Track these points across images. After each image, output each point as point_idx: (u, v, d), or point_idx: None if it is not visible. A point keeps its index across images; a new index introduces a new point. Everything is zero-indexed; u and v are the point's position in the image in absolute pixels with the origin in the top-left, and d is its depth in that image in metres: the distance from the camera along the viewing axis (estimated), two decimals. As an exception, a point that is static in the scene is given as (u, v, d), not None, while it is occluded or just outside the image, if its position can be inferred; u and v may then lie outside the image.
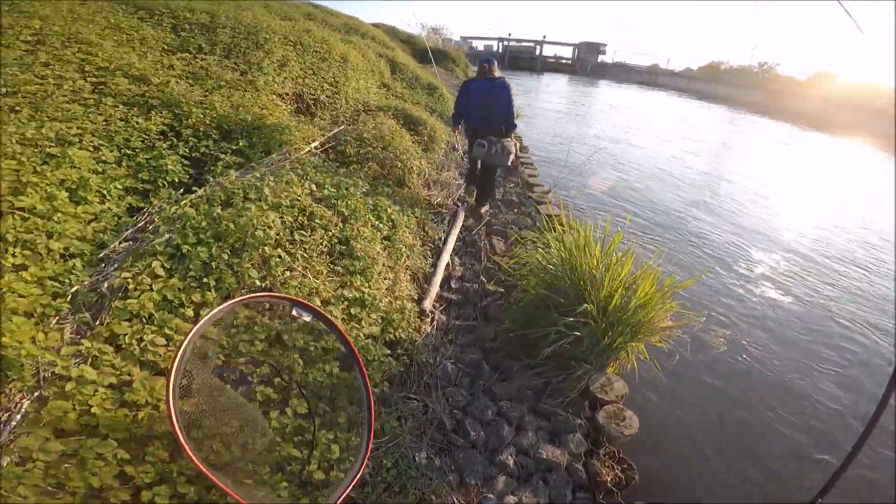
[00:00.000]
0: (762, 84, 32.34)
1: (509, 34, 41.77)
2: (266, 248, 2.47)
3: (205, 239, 2.37)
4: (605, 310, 3.08)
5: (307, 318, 1.94)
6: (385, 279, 3.19)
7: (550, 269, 3.17)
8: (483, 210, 5.19)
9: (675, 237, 6.14)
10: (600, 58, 42.99)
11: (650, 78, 39.45)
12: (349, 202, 3.25)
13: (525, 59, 40.88)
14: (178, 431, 1.43)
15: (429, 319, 3.56)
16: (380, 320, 2.96)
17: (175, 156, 3.06)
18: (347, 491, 1.72)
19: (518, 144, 7.41)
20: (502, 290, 4.00)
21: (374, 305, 2.92)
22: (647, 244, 5.57)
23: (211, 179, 2.97)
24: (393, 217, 3.59)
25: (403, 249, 3.53)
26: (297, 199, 2.83)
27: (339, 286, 2.77)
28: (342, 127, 5.41)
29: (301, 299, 2.08)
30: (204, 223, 2.43)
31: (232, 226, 2.38)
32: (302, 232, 2.70)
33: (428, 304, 3.60)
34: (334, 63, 6.15)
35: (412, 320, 3.25)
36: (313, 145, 4.30)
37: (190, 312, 2.08)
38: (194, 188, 2.94)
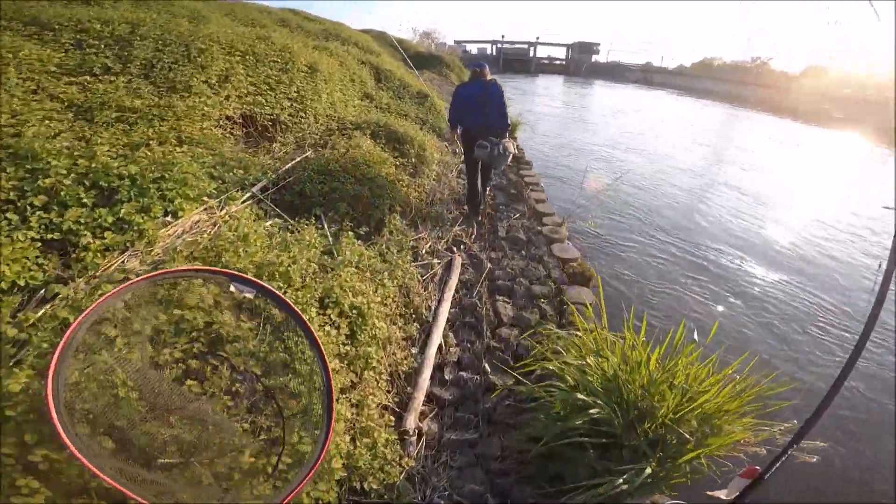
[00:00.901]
0: (758, 80, 31.47)
1: (503, 36, 40.39)
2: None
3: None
4: (663, 439, 2.02)
5: (249, 294, 1.63)
6: (344, 411, 2.07)
7: (586, 400, 2.05)
8: (486, 191, 5.11)
9: (733, 289, 4.78)
10: (594, 57, 41.60)
11: (645, 76, 38.16)
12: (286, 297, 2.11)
13: (519, 62, 39.52)
14: (59, 426, 1.13)
15: (413, 438, 2.47)
16: (337, 478, 1.87)
17: (19, 243, 1.93)
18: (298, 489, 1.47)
19: (516, 144, 6.30)
20: (511, 381, 2.89)
21: (324, 466, 1.82)
22: (703, 302, 4.40)
23: (74, 284, 1.84)
24: (358, 305, 2.46)
25: (373, 353, 2.41)
26: (188, 320, 1.69)
27: (262, 449, 1.65)
28: (305, 155, 4.28)
29: (239, 273, 1.72)
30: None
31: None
32: (191, 382, 1.57)
33: (412, 421, 2.51)
34: (299, 74, 5.00)
35: (389, 455, 2.17)
36: (255, 189, 3.16)
37: None
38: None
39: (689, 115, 18.74)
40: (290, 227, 2.95)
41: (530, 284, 3.92)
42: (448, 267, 4.01)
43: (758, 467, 1.58)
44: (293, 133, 4.69)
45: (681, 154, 10.45)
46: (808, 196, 8.43)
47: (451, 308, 3.47)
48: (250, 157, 3.66)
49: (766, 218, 6.93)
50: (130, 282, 1.41)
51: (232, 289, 1.58)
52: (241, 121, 4.03)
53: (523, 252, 4.46)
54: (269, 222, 2.85)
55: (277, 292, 1.73)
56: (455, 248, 4.32)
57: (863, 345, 1.52)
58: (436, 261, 4.02)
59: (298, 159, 4.04)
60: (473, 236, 4.65)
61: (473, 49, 41.15)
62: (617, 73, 39.23)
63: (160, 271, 1.54)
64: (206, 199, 2.62)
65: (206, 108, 3.42)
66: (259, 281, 1.73)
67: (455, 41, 40.29)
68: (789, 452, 1.57)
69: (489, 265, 4.19)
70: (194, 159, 2.75)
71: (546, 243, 4.60)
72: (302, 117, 4.81)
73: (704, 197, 7.66)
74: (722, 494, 1.71)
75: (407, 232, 4.20)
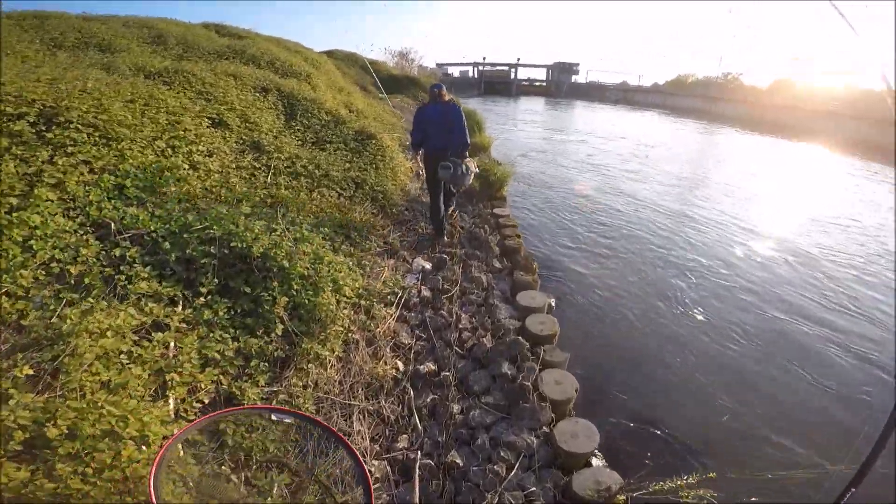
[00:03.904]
0: (731, 95, 30.06)
1: (484, 58, 37.44)
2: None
3: None
4: None
5: (288, 420, 1.69)
6: None
7: None
8: (453, 213, 4.58)
9: None
10: (574, 78, 38.86)
11: (624, 96, 35.48)
12: None
13: (501, 84, 36.47)
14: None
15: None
16: None
17: None
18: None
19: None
20: None
21: None
22: None
23: None
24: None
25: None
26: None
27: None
28: None
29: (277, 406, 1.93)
30: None
31: None
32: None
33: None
34: None
35: None
36: None
37: None
38: None
39: (695, 141, 15.59)
40: None
41: None
42: None
43: None
44: None
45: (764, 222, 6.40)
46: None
47: None
48: None
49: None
50: (208, 416, 1.57)
51: (273, 417, 1.65)
52: None
53: None
54: None
55: (314, 416, 1.85)
56: None
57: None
58: None
59: None
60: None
61: (455, 72, 38.11)
62: (597, 93, 36.53)
63: (222, 410, 1.69)
64: None
65: None
66: (294, 410, 1.83)
67: (437, 63, 37.29)
68: (852, 491, 1.36)
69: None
70: None
71: None
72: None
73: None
74: None
75: None
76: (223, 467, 1.66)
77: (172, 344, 2.02)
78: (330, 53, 16.66)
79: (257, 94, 4.59)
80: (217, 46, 6.28)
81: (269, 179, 3.51)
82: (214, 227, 2.37)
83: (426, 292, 3.18)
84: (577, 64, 38.65)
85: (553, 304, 3.57)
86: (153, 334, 1.98)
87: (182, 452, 1.53)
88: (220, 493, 1.58)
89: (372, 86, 16.14)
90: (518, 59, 37.89)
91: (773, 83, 31.87)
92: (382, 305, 2.92)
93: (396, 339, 2.78)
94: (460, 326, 2.89)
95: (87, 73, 3.19)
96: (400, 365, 2.64)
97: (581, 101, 33.50)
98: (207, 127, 3.43)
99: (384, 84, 16.69)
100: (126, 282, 2.09)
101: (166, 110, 3.05)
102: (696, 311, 3.79)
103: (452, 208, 4.62)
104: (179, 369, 1.91)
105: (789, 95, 26.26)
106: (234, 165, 3.41)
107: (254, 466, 1.73)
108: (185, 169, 2.94)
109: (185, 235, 2.32)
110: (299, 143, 4.41)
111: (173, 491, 1.43)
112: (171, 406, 1.84)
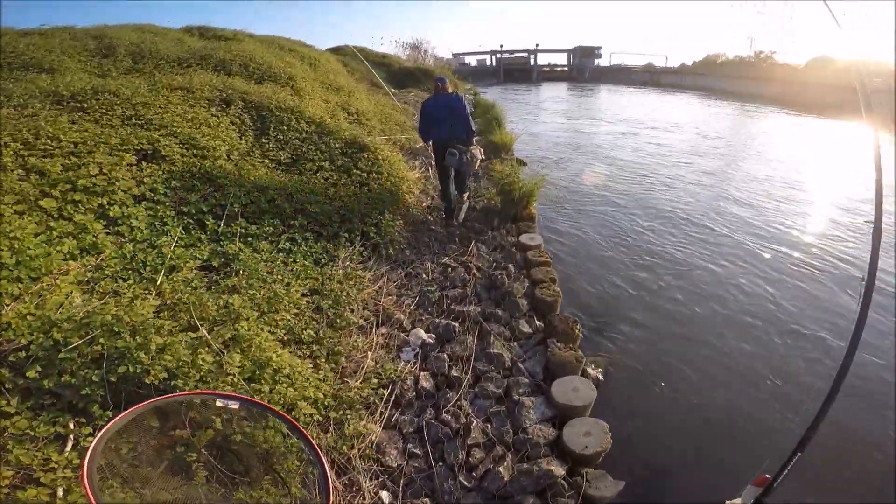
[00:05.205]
0: (769, 75, 27.70)
1: (501, 46, 35.86)
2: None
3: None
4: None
5: (234, 405, 1.52)
6: None
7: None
8: (465, 196, 4.65)
9: None
10: (596, 61, 36.77)
11: (651, 78, 33.32)
12: None
13: (520, 71, 34.80)
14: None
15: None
16: None
17: None
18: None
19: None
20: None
21: None
22: None
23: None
24: None
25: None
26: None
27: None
28: None
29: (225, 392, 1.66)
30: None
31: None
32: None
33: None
34: None
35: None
36: None
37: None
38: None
39: (751, 128, 12.87)
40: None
41: None
42: None
43: (768, 475, 1.44)
44: None
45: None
46: None
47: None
48: None
49: None
50: (143, 403, 1.37)
51: (218, 403, 1.49)
52: None
53: None
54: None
55: (259, 400, 1.65)
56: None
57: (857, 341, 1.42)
58: None
59: None
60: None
61: (472, 61, 36.72)
62: (622, 76, 34.49)
63: (166, 395, 1.47)
64: None
65: None
66: (240, 395, 1.64)
67: (453, 54, 35.93)
68: (796, 457, 1.43)
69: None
70: None
71: None
72: None
73: None
74: (736, 502, 1.53)
75: None
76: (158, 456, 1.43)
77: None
78: (337, 50, 15.81)
79: (213, 110, 3.75)
80: (180, 53, 5.43)
81: (220, 228, 2.68)
82: (101, 340, 1.56)
83: (426, 382, 2.30)
84: (599, 47, 36.56)
85: (601, 378, 2.62)
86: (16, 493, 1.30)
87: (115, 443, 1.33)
88: (156, 484, 1.40)
89: (386, 82, 15.22)
90: (537, 45, 36.20)
91: (810, 61, 29.16)
92: (364, 409, 2.07)
93: (382, 458, 1.93)
94: (469, 441, 2.01)
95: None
96: (385, 498, 1.81)
97: (606, 84, 31.53)
98: (130, 165, 2.61)
99: (397, 78, 15.78)
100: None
101: (60, 152, 2.26)
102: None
103: (465, 206, 4.59)
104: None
105: (830, 73, 24.03)
106: (171, 212, 2.59)
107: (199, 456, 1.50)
108: (93, 234, 2.14)
109: (59, 355, 1.53)
110: (272, 165, 3.57)
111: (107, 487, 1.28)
112: None
